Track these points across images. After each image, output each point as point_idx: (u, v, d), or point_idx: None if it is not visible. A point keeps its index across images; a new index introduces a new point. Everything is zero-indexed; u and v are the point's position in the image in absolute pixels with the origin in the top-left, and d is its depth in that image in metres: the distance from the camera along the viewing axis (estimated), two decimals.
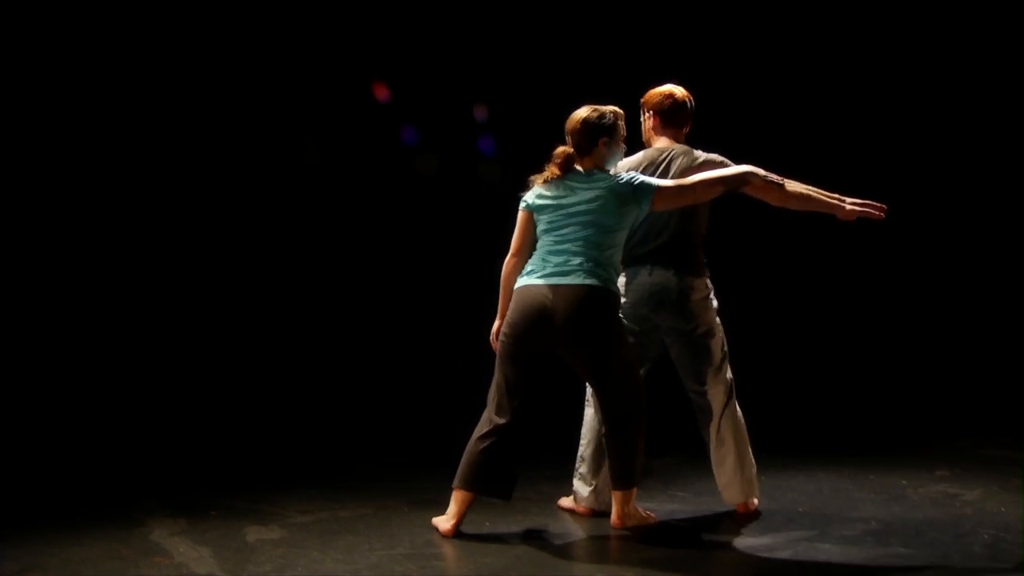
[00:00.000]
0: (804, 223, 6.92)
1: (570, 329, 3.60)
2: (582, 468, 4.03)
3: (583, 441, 4.04)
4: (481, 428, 3.70)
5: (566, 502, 4.10)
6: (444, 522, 3.73)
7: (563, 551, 3.57)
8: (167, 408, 5.92)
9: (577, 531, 3.81)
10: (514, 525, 3.87)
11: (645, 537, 3.67)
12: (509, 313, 3.69)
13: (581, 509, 4.01)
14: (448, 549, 3.56)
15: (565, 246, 3.66)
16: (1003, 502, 4.12)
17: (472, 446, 3.70)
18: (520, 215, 3.77)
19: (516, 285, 3.72)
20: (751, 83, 6.99)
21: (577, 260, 3.63)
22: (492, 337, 3.83)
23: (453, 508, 3.72)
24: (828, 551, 3.44)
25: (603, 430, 3.82)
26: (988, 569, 3.24)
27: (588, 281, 3.61)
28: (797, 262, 7.01)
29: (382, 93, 4.93)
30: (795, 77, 7.06)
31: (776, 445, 5.62)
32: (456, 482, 3.71)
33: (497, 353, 3.74)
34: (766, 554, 3.43)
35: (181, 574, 3.32)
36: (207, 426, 5.76)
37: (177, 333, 6.06)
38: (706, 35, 6.90)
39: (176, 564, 3.41)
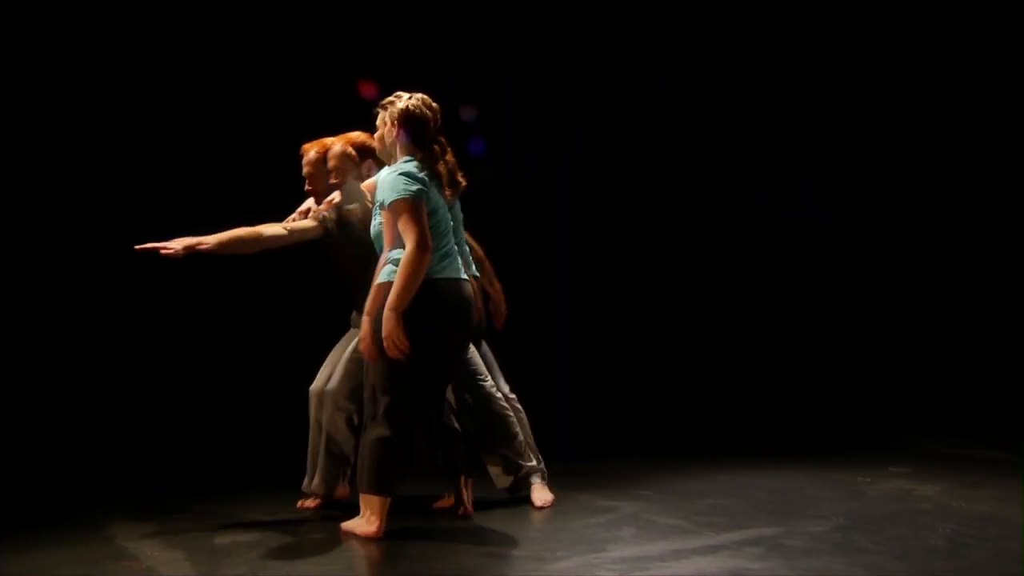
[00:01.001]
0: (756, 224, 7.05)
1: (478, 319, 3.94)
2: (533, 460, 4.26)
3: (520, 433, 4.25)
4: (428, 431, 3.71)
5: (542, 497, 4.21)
6: (368, 526, 3.67)
7: (534, 547, 3.58)
8: (120, 413, 5.82)
9: (549, 528, 3.83)
10: (485, 523, 3.88)
11: (616, 534, 3.70)
12: (444, 310, 3.61)
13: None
14: (420, 549, 3.56)
15: (457, 236, 3.83)
16: (959, 497, 4.24)
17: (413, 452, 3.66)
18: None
19: (444, 275, 3.63)
20: (750, 83, 7.04)
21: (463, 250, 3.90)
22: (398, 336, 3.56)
23: (377, 513, 3.66)
24: (796, 547, 3.49)
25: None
26: (950, 563, 3.32)
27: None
28: (753, 270, 7.10)
29: (369, 91, 4.88)
30: (794, 77, 7.11)
31: (735, 443, 5.74)
32: (387, 491, 3.66)
33: (430, 352, 3.59)
34: (735, 550, 3.48)
35: None
36: (162, 431, 5.68)
37: (136, 337, 5.96)
38: (706, 33, 6.92)
39: (147, 568, 3.36)
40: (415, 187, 3.58)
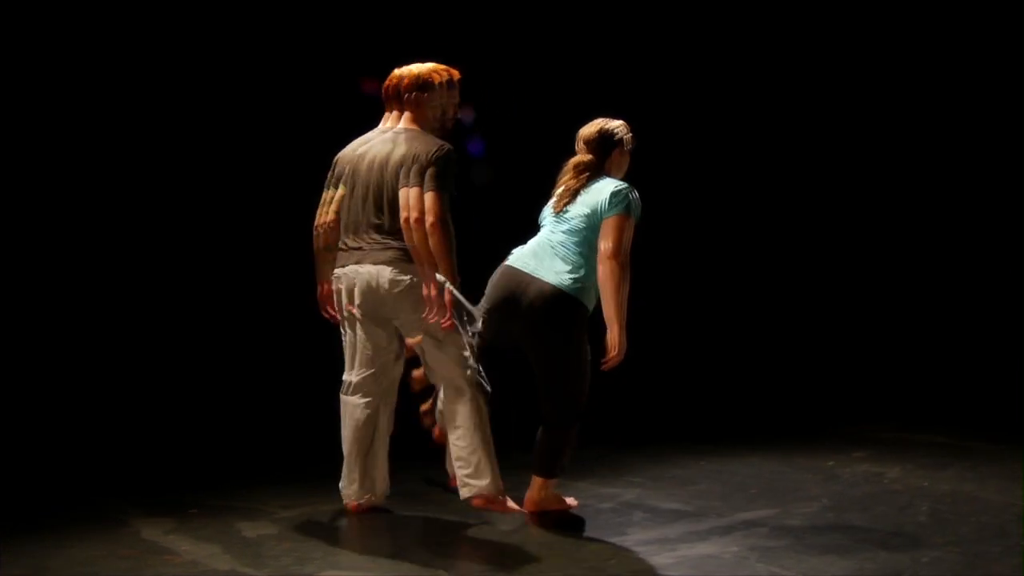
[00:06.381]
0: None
1: None
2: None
3: None
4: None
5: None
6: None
7: (558, 532, 3.77)
8: (106, 407, 5.79)
9: (563, 514, 3.99)
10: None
11: (628, 519, 3.92)
12: None
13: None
14: (454, 536, 3.71)
15: None
16: (923, 478, 4.60)
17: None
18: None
19: None
20: (750, 82, 7.25)
21: None
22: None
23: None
24: (799, 526, 3.79)
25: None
26: (941, 537, 3.66)
27: None
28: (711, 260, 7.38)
29: (371, 87, 4.93)
30: (794, 76, 7.32)
31: (698, 432, 5.99)
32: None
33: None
34: (745, 530, 3.75)
35: (200, 571, 3.34)
36: (149, 426, 5.67)
37: (130, 333, 5.92)
38: (705, 34, 7.09)
39: (191, 562, 3.42)
40: None
